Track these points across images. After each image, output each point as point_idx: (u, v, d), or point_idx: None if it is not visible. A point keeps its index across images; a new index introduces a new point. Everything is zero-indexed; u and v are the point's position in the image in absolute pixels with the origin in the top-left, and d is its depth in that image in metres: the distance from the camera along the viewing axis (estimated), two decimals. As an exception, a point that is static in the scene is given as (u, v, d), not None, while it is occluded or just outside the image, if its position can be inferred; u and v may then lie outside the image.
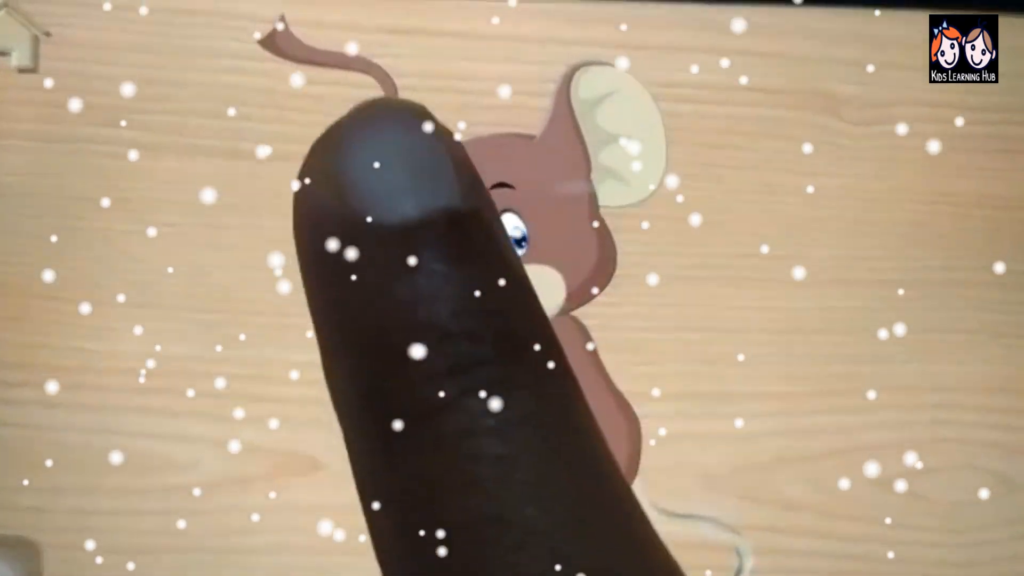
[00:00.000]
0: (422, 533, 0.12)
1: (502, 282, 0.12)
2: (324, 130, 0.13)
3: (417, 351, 0.12)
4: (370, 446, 0.13)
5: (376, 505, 0.13)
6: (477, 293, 0.12)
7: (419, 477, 0.12)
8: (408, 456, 0.12)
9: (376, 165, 0.12)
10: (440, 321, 0.12)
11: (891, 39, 0.43)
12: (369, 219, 0.12)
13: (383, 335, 0.12)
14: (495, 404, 0.12)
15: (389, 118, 0.13)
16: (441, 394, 0.12)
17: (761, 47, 0.43)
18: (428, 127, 0.12)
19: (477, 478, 0.12)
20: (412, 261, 0.12)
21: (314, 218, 0.12)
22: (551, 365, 0.12)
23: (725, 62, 0.42)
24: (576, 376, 0.13)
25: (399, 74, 0.42)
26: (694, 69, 0.42)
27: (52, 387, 0.41)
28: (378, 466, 0.13)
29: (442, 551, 0.12)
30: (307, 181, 0.13)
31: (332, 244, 0.12)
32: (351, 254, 0.12)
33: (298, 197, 0.13)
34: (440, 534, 0.12)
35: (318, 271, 0.12)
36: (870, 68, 0.42)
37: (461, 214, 0.12)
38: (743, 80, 0.42)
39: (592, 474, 0.12)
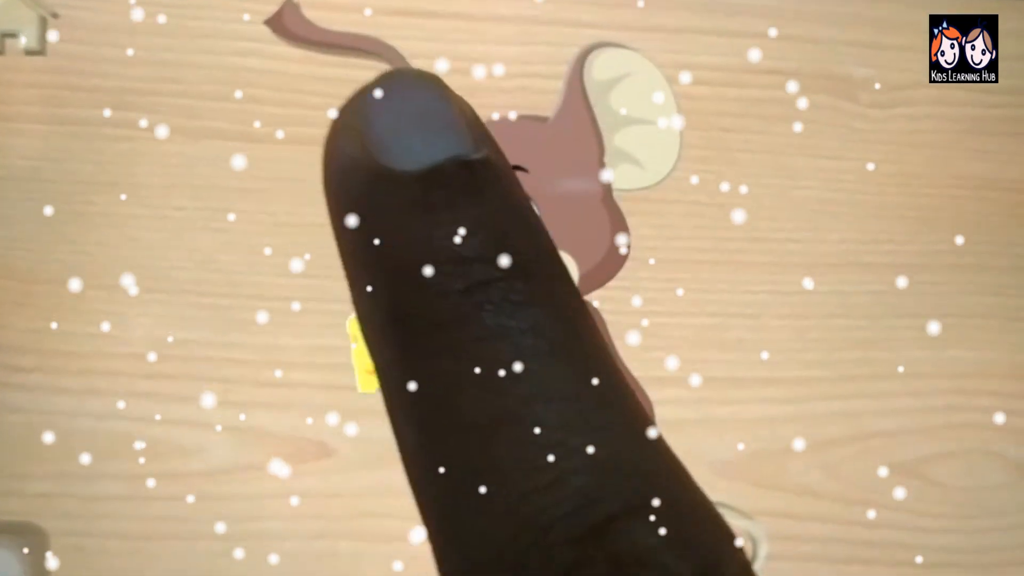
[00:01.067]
0: (440, 432, 0.13)
1: (510, 214, 0.14)
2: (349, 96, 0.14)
3: (433, 273, 0.13)
4: (393, 357, 0.14)
5: (399, 412, 0.14)
6: (487, 224, 0.14)
7: (436, 380, 0.13)
8: (426, 361, 0.14)
9: (395, 121, 0.14)
10: (454, 247, 0.13)
11: (907, 23, 0.42)
12: (390, 167, 0.14)
13: (403, 262, 0.14)
14: (505, 317, 0.13)
15: (406, 82, 0.14)
16: (456, 309, 0.13)
17: (777, 30, 0.42)
18: (440, 90, 0.14)
19: (489, 380, 0.13)
20: (428, 200, 0.14)
21: (342, 168, 0.14)
22: (555, 283, 0.14)
23: (740, 45, 0.42)
24: (579, 291, 0.14)
25: (410, 56, 0.41)
26: (708, 51, 0.42)
27: (60, 372, 0.41)
28: (400, 375, 0.14)
29: (459, 447, 0.13)
30: (335, 137, 0.14)
31: (358, 189, 0.14)
32: (375, 197, 0.14)
33: (327, 151, 0.14)
34: (456, 431, 0.13)
35: (346, 213, 0.14)
36: (886, 52, 0.42)
37: (471, 161, 0.14)
38: (758, 63, 0.42)
39: (594, 375, 0.14)
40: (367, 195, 0.14)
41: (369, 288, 0.14)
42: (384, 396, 0.14)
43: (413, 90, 0.14)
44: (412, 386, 0.14)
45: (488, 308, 0.13)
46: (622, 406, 0.14)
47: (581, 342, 0.14)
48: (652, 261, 0.40)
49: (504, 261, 0.14)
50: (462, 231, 0.13)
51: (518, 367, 0.13)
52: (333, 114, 0.14)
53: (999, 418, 0.43)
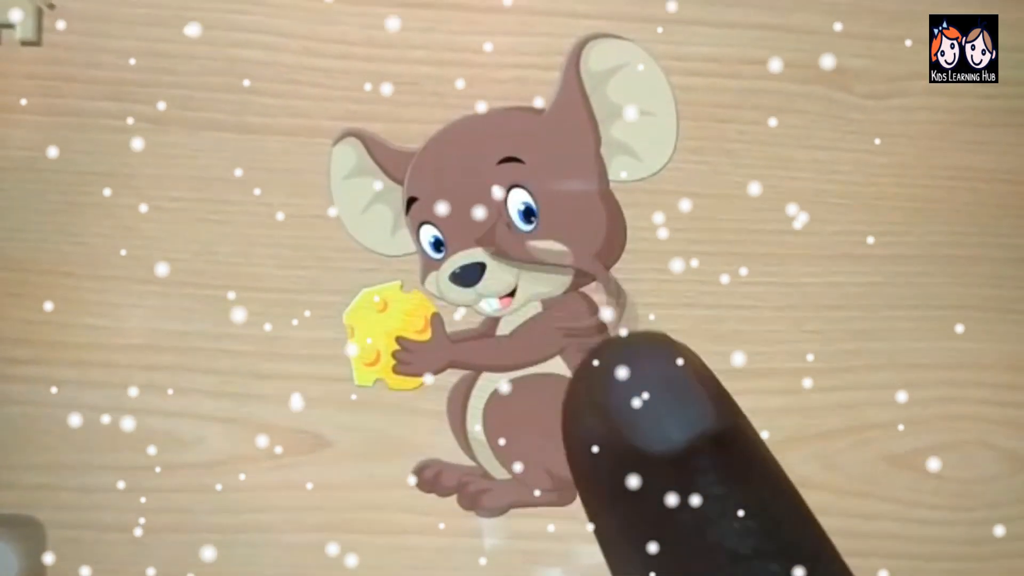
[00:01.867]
0: None
1: (777, 497, 0.13)
2: (581, 362, 0.14)
3: (710, 572, 0.12)
4: None
5: None
6: (756, 511, 0.13)
7: None
8: None
9: (636, 398, 0.13)
10: (728, 543, 0.13)
11: (904, 15, 0.42)
12: (642, 449, 0.13)
13: (674, 558, 0.13)
14: None
15: (642, 351, 0.14)
16: None
17: (772, 21, 0.42)
18: (675, 354, 0.14)
19: None
20: (689, 486, 0.13)
21: (589, 450, 0.13)
22: (831, 567, 0.13)
23: (737, 35, 0.42)
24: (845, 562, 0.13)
25: (410, 46, 0.41)
26: (705, 42, 0.42)
27: (56, 364, 0.41)
28: None
29: None
30: (576, 412, 0.14)
31: (611, 474, 0.13)
32: (629, 481, 0.13)
33: (567, 424, 0.14)
34: None
35: (596, 492, 0.13)
36: (882, 43, 0.42)
37: (721, 433, 0.13)
38: (755, 54, 0.42)
39: None
40: (621, 480, 0.13)
41: None
42: None
43: (650, 360, 0.14)
44: None
45: None
46: None
47: None
48: (647, 252, 0.41)
49: (781, 553, 0.13)
50: (734, 525, 0.12)
51: None
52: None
53: (995, 410, 0.43)
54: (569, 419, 0.13)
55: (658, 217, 0.41)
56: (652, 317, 0.40)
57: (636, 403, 0.13)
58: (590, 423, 0.13)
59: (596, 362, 0.13)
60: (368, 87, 0.41)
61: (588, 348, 0.14)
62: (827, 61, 0.42)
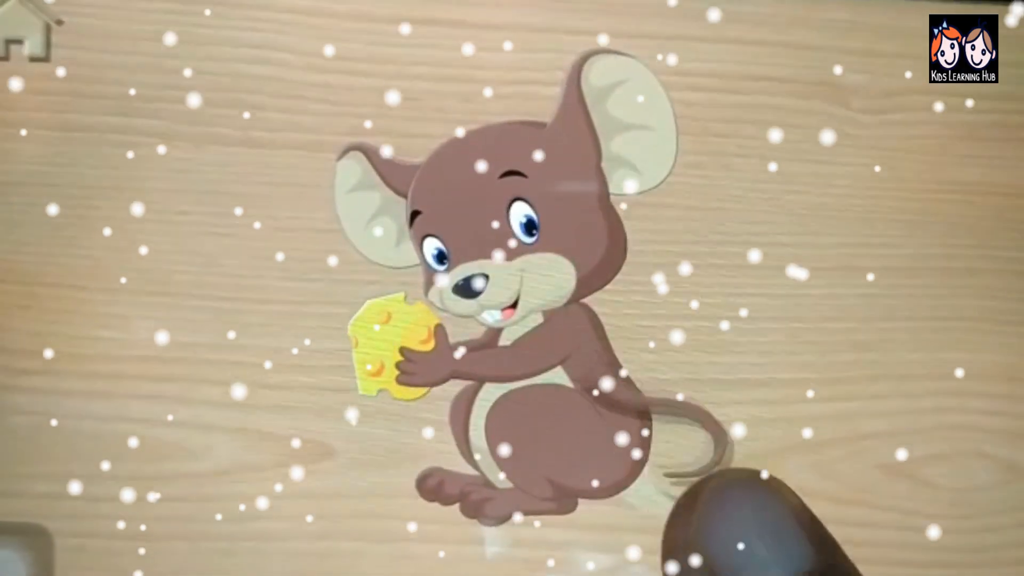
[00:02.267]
0: None
1: None
2: (681, 495, 0.13)
3: None
4: None
5: None
6: None
7: None
8: None
9: (736, 540, 0.13)
10: None
11: (901, 29, 0.43)
12: None
13: None
14: None
15: (737, 494, 0.13)
16: None
17: (770, 37, 0.43)
18: (772, 498, 0.12)
19: None
20: None
21: None
22: None
23: (735, 51, 0.42)
24: None
25: (410, 62, 0.42)
26: (704, 58, 0.42)
27: (64, 375, 0.42)
28: None
29: None
30: (675, 551, 0.13)
31: None
32: None
33: (667, 558, 0.14)
34: None
35: None
36: (879, 58, 0.43)
37: (822, 574, 0.12)
38: (752, 70, 0.43)
39: None
40: None
41: None
42: None
43: (748, 501, 0.13)
44: None
45: None
46: None
47: None
48: (647, 265, 0.41)
49: None
50: None
51: None
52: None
53: (991, 419, 0.44)
54: (668, 558, 0.13)
55: (657, 230, 0.41)
56: (652, 344, 0.41)
57: (737, 546, 0.13)
58: (691, 564, 0.13)
59: (694, 503, 0.13)
60: (372, 103, 0.41)
61: (687, 488, 0.13)
62: (824, 77, 0.43)
